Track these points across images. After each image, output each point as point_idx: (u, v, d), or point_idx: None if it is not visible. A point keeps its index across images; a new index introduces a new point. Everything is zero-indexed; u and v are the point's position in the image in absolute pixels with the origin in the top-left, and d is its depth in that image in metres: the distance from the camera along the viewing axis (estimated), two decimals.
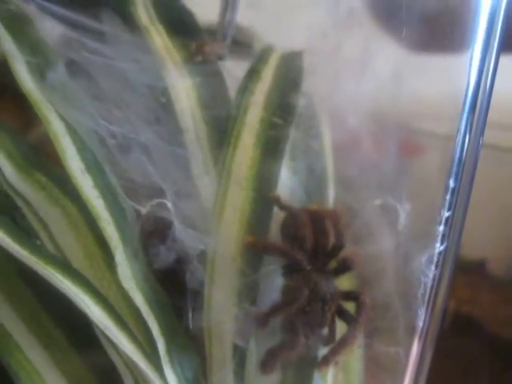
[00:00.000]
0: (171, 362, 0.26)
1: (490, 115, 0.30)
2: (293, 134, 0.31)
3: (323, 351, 0.27)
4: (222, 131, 0.31)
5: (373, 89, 0.34)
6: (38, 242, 0.26)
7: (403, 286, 0.30)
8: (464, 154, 0.30)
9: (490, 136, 0.31)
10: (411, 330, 0.31)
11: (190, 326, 0.27)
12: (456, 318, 0.53)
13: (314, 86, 0.34)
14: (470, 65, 0.29)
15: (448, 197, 0.29)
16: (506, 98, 0.37)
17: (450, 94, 0.31)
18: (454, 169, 0.29)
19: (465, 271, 0.55)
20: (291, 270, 0.26)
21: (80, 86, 0.28)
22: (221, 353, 0.27)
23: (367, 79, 0.34)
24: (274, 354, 0.25)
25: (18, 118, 0.32)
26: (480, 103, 0.30)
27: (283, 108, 0.31)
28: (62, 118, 0.26)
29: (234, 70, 0.34)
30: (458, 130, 0.29)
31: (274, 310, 0.25)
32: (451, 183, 0.29)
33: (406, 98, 0.34)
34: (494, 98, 0.30)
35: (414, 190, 0.32)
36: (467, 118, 0.29)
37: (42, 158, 0.28)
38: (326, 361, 0.26)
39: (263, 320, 0.25)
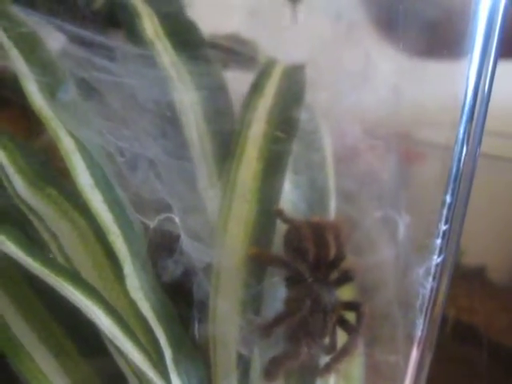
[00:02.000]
0: (178, 370, 0.27)
1: (488, 124, 0.31)
2: (295, 147, 0.31)
3: (325, 359, 0.28)
4: (226, 145, 0.31)
5: (373, 100, 0.35)
6: (51, 255, 0.27)
7: (402, 296, 0.31)
8: (461, 165, 0.30)
9: (489, 144, 0.32)
10: (410, 338, 0.31)
11: (196, 336, 0.28)
12: (456, 326, 0.53)
13: (315, 99, 0.35)
14: (468, 73, 0.29)
15: (445, 211, 0.30)
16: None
17: (448, 102, 0.31)
18: (451, 183, 0.30)
19: (464, 279, 0.55)
20: (294, 281, 0.27)
21: (88, 103, 0.29)
22: (225, 361, 0.28)
23: (366, 90, 0.35)
24: (278, 363, 0.26)
25: (23, 128, 0.33)
26: (477, 113, 0.30)
27: (286, 122, 0.32)
28: (72, 136, 0.27)
29: (238, 81, 0.35)
30: (456, 141, 0.30)
31: (278, 320, 0.26)
32: (448, 198, 0.30)
33: (406, 108, 0.35)
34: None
35: (412, 201, 0.33)
36: (465, 129, 0.30)
37: (52, 172, 0.29)
38: (327, 368, 0.27)
39: (267, 330, 0.26)
